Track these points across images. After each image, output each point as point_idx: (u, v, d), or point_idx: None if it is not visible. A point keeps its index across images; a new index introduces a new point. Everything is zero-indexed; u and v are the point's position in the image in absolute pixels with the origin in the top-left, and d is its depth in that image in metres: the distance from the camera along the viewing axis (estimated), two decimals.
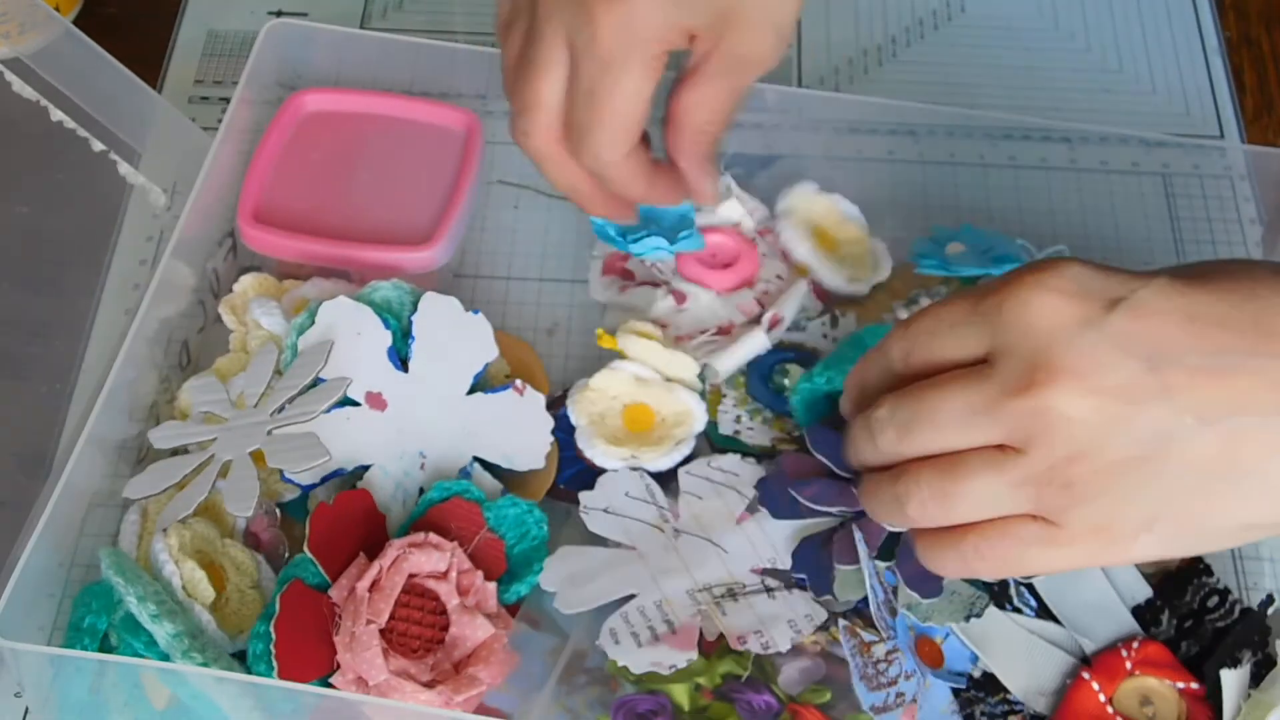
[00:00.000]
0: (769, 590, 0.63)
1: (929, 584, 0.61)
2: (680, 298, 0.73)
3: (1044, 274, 0.56)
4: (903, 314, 0.74)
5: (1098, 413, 0.54)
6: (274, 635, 0.59)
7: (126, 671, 0.61)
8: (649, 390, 0.70)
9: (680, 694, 0.61)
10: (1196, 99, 0.87)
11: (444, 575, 0.62)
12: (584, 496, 0.67)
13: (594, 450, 0.68)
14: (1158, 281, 0.56)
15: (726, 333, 0.73)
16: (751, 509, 0.66)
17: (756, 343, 0.71)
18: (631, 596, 0.64)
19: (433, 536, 0.62)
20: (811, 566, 0.64)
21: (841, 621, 0.62)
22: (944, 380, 0.57)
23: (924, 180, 0.81)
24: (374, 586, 0.61)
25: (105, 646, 0.62)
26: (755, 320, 0.73)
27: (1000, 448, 0.56)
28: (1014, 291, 0.56)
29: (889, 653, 0.61)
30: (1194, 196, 0.81)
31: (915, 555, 0.60)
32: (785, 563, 0.65)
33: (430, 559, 0.62)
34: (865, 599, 0.62)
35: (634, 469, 0.68)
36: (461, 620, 0.61)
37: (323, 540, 0.62)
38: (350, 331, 0.68)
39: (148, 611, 0.60)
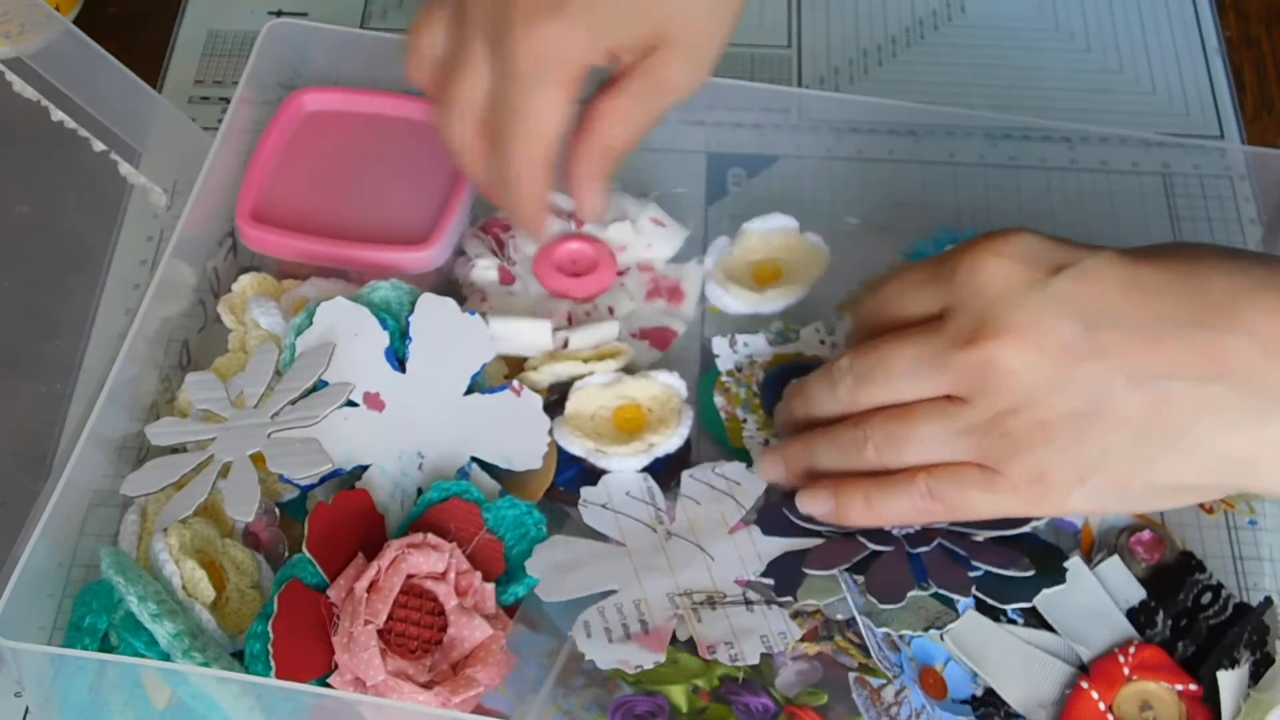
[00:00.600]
0: (748, 603, 0.64)
1: (892, 590, 0.62)
2: (509, 278, 0.74)
3: (996, 241, 0.61)
4: None
5: (1036, 368, 0.59)
6: (271, 635, 0.59)
7: (126, 671, 0.61)
8: (623, 386, 0.70)
9: (678, 695, 0.61)
10: (1196, 99, 0.87)
11: (442, 576, 0.62)
12: (585, 491, 0.67)
13: (613, 464, 0.68)
14: (1104, 253, 0.60)
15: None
16: (747, 520, 0.66)
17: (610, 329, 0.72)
18: (612, 592, 0.64)
19: (431, 537, 0.62)
20: (781, 571, 0.64)
21: (851, 676, 0.62)
22: (899, 334, 0.62)
23: (924, 180, 0.81)
24: (372, 587, 0.61)
25: (105, 646, 0.63)
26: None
27: (948, 399, 0.61)
28: (968, 256, 0.61)
29: (898, 693, 0.61)
30: (1194, 196, 0.81)
31: (887, 568, 0.62)
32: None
33: (429, 560, 0.62)
34: (836, 609, 0.63)
35: (640, 470, 0.68)
36: (460, 621, 0.61)
37: (321, 540, 0.62)
38: (348, 332, 0.68)
39: (148, 611, 0.60)
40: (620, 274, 0.75)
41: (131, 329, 0.68)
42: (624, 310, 0.74)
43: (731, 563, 0.65)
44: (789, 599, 0.63)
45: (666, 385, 0.70)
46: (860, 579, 0.63)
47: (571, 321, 0.73)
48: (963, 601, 0.63)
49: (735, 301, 0.74)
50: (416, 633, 0.61)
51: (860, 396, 0.63)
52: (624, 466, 0.68)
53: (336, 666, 0.60)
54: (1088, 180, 0.81)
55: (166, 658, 0.60)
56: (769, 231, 0.76)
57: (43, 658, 0.61)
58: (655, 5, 0.64)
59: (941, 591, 0.62)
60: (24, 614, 0.61)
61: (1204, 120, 0.86)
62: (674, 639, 0.62)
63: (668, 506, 0.67)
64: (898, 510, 0.63)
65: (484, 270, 0.74)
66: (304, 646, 0.60)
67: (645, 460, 0.68)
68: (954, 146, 0.82)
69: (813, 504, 0.64)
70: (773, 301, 0.74)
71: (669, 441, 0.68)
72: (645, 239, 0.76)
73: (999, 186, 0.81)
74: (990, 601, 0.62)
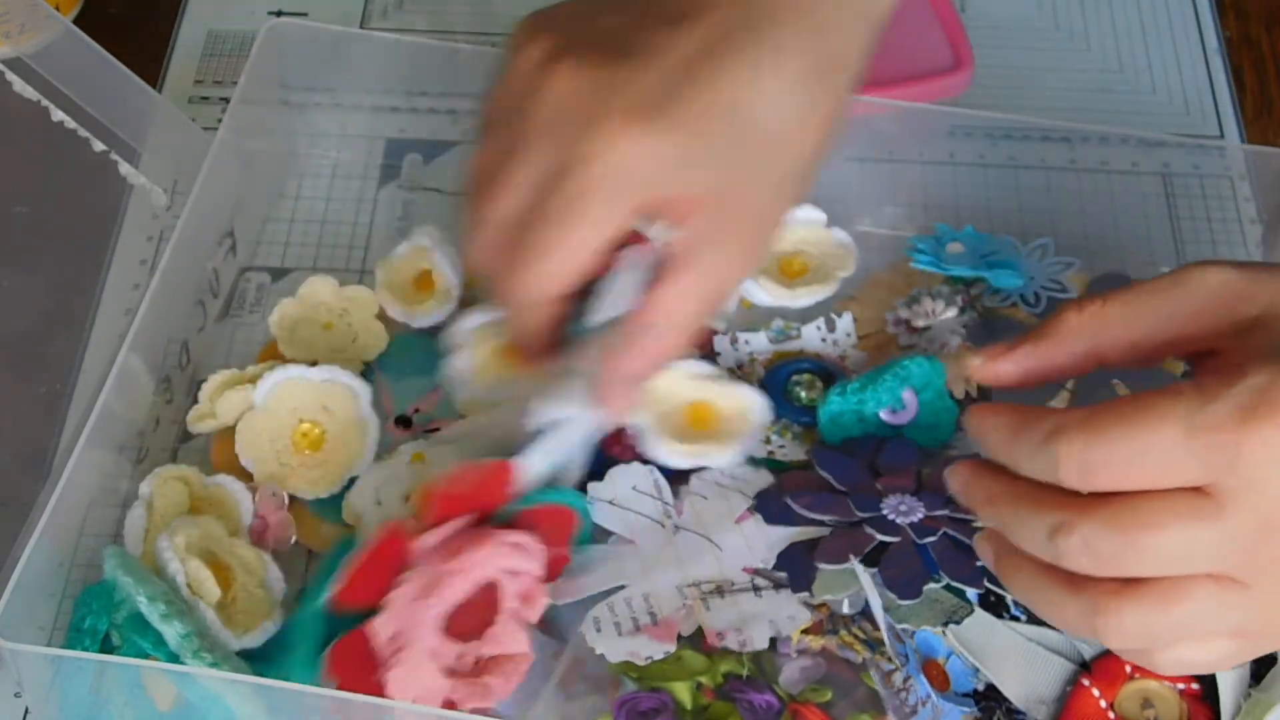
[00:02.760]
0: (756, 589, 0.64)
1: (909, 586, 0.61)
2: None
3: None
4: (904, 313, 0.73)
5: None
6: (356, 559, 0.59)
7: (127, 671, 0.61)
8: (708, 387, 0.70)
9: (682, 692, 0.62)
10: (1196, 99, 0.87)
11: (517, 575, 0.61)
12: (592, 488, 0.67)
13: (659, 451, 0.68)
14: None
15: None
16: (753, 510, 0.66)
17: None
18: (621, 587, 0.64)
19: (531, 542, 0.61)
20: (794, 565, 0.64)
21: (865, 657, 0.62)
22: (1160, 522, 0.50)
23: (924, 180, 0.81)
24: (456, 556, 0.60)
25: (106, 647, 0.63)
26: None
27: (1215, 578, 0.51)
28: (1255, 429, 0.49)
29: (905, 680, 0.61)
30: (1194, 196, 0.81)
31: (899, 560, 0.61)
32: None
33: (517, 561, 0.61)
34: (848, 601, 0.63)
35: (646, 462, 0.68)
36: (507, 627, 0.60)
37: (450, 499, 0.61)
38: None
39: (158, 611, 0.60)
40: None
41: (131, 329, 0.68)
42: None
43: (740, 552, 0.65)
44: (803, 591, 0.63)
45: (747, 401, 0.70)
46: (874, 570, 0.62)
47: None
48: (970, 593, 0.63)
49: (765, 295, 0.74)
50: (464, 617, 0.60)
51: (1102, 574, 0.52)
52: (722, 462, 0.68)
53: (384, 608, 0.59)
54: (1088, 180, 0.81)
55: (175, 658, 0.60)
56: (795, 223, 0.76)
57: (43, 658, 0.61)
58: (746, 154, 0.56)
59: (954, 584, 0.62)
60: (24, 614, 0.61)
61: (1204, 120, 0.86)
62: (702, 633, 0.63)
63: (674, 502, 0.67)
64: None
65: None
66: (374, 578, 0.59)
67: (743, 452, 0.68)
68: (954, 146, 0.82)
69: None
70: (802, 297, 0.74)
71: (754, 434, 0.69)
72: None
73: (999, 186, 0.81)
74: (1000, 592, 0.62)
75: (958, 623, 0.62)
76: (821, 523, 0.64)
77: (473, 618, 0.61)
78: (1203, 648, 0.53)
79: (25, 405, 0.74)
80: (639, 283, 0.60)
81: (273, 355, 0.72)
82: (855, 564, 0.62)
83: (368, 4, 0.90)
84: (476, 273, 0.61)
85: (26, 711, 0.66)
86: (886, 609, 0.62)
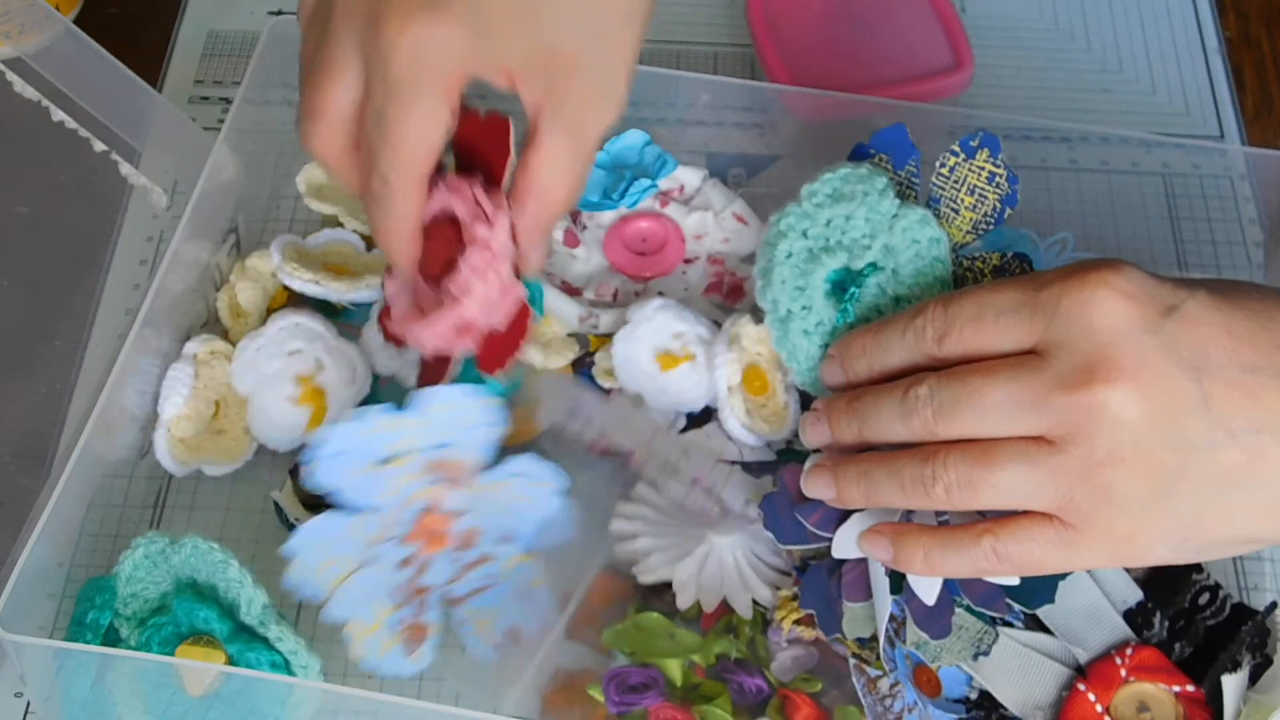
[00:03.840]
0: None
1: (938, 623, 0.60)
2: (574, 240, 0.75)
3: (1106, 273, 0.56)
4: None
5: (1146, 417, 0.55)
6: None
7: (148, 663, 0.62)
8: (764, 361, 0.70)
9: (673, 669, 0.62)
10: (1196, 99, 0.87)
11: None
12: None
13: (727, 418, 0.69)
14: (1200, 294, 0.57)
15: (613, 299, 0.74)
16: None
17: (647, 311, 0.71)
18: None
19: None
20: (820, 601, 0.63)
21: (851, 660, 0.62)
22: (992, 367, 0.57)
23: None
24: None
25: (108, 641, 0.63)
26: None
27: (1036, 440, 0.56)
28: (1076, 287, 0.56)
29: (892, 686, 0.61)
30: (1194, 196, 0.81)
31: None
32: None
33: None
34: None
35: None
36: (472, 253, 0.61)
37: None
38: None
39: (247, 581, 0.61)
40: (687, 262, 0.75)
41: (132, 329, 0.68)
42: (675, 298, 0.74)
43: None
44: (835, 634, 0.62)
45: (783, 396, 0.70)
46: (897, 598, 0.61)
47: (618, 298, 0.74)
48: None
49: None
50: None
51: (939, 429, 0.58)
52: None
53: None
54: (1088, 180, 0.81)
55: (240, 634, 0.61)
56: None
57: (45, 653, 0.61)
58: (547, 14, 0.57)
59: (978, 609, 0.61)
60: (24, 612, 0.61)
61: (1204, 120, 0.86)
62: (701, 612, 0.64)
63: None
64: (958, 567, 0.59)
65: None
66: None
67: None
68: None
69: (870, 549, 0.61)
70: None
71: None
72: (723, 232, 0.76)
73: None
74: (1020, 608, 0.61)
75: (986, 653, 0.61)
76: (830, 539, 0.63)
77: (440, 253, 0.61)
78: (1025, 535, 0.57)
79: (25, 405, 0.74)
80: None
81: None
82: (881, 591, 0.61)
83: None
84: (322, 165, 0.61)
85: (28, 710, 0.66)
86: (917, 646, 0.61)
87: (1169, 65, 0.88)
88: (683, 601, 0.64)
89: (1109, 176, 0.82)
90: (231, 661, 0.61)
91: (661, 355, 0.70)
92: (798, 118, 0.80)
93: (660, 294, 0.73)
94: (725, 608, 0.64)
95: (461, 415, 0.61)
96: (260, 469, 0.71)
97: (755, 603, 0.65)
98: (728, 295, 0.74)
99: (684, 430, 0.70)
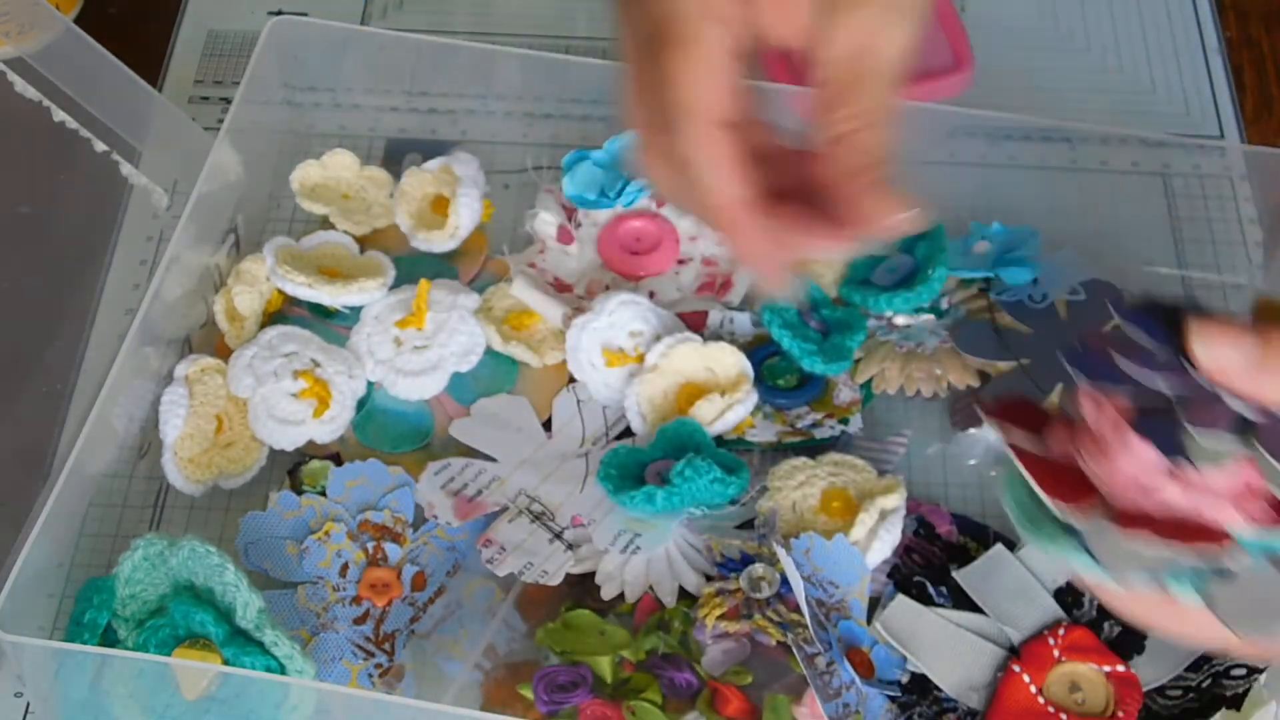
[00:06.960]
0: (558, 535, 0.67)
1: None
2: (568, 237, 0.76)
3: None
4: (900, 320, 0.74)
5: None
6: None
7: (143, 664, 0.61)
8: (698, 357, 0.71)
9: (603, 666, 0.62)
10: (1196, 99, 0.87)
11: None
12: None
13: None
14: None
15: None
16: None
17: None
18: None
19: None
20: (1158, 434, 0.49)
21: (790, 635, 0.62)
22: None
23: (924, 180, 0.81)
24: None
25: (106, 641, 0.63)
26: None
27: None
28: None
29: (829, 664, 0.61)
30: (1194, 196, 0.81)
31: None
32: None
33: None
34: (761, 588, 0.63)
35: None
36: None
37: None
38: None
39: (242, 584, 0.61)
40: (681, 263, 0.76)
41: (132, 329, 0.68)
42: (667, 299, 0.74)
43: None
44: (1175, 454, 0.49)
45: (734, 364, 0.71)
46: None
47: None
48: (888, 587, 0.63)
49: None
50: None
51: None
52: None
53: None
54: (1088, 180, 0.81)
55: (232, 638, 0.61)
56: None
57: (44, 653, 0.61)
58: None
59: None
60: (24, 612, 0.61)
61: (1204, 120, 0.86)
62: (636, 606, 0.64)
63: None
64: None
65: (544, 224, 0.77)
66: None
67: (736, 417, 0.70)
68: (954, 146, 0.82)
69: None
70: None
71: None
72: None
73: (999, 186, 0.81)
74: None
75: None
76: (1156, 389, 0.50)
77: None
78: None
79: (25, 405, 0.74)
80: None
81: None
82: (797, 579, 0.62)
83: (367, 4, 0.90)
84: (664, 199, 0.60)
85: (28, 710, 0.66)
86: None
87: (1169, 65, 0.88)
88: (607, 593, 0.64)
89: (1109, 176, 0.82)
90: (227, 665, 0.61)
91: (609, 351, 0.71)
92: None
93: (652, 293, 0.74)
94: (658, 603, 0.65)
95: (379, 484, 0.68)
96: (260, 469, 0.71)
97: (683, 590, 0.65)
98: (720, 292, 0.75)
99: (618, 438, 0.70)
